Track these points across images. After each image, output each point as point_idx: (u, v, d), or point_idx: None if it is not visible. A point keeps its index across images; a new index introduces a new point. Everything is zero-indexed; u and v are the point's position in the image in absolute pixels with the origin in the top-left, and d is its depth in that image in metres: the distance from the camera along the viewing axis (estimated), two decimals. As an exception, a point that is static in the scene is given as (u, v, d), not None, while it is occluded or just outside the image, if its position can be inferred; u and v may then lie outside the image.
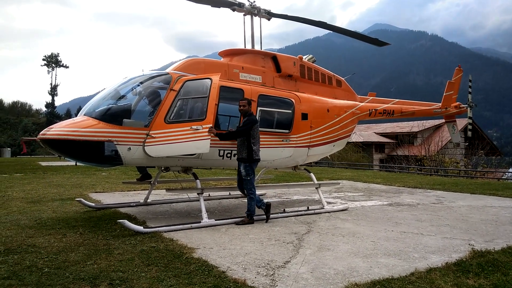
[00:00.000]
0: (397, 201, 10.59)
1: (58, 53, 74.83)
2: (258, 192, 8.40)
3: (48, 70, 73.33)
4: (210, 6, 8.51)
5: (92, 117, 6.68)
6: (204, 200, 7.51)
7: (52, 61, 73.44)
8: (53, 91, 72.27)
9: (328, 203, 9.58)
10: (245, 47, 8.99)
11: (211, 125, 6.87)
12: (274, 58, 8.91)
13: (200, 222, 6.97)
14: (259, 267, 4.70)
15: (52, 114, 68.55)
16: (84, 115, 6.84)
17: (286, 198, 11.13)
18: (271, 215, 7.64)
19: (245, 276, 4.32)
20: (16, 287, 3.95)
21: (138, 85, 7.29)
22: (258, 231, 6.69)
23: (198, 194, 7.42)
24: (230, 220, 7.36)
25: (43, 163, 28.49)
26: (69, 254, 5.08)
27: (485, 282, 4.21)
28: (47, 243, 5.61)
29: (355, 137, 37.67)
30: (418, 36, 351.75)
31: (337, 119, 9.70)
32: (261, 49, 9.14)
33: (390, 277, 4.31)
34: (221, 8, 8.64)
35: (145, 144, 6.73)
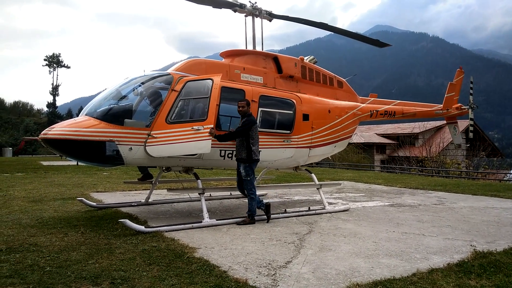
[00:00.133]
0: (399, 202, 10.58)
1: (60, 53, 75.01)
2: (259, 192, 8.40)
3: (49, 70, 73.46)
4: (211, 7, 8.53)
5: (94, 117, 6.70)
6: (205, 200, 7.51)
7: (54, 61, 73.55)
8: (55, 91, 72.36)
9: (330, 203, 9.58)
10: (246, 48, 9.01)
11: (212, 126, 6.88)
12: (275, 59, 8.91)
13: (201, 222, 6.97)
14: (260, 267, 4.70)
15: (54, 114, 68.64)
16: (86, 115, 6.86)
17: (287, 198, 11.13)
18: (272, 216, 7.64)
19: (246, 276, 4.32)
20: (18, 285, 3.95)
21: (140, 86, 7.30)
22: (259, 231, 6.69)
23: (199, 194, 7.43)
24: (231, 220, 7.36)
25: (45, 163, 28.52)
26: (70, 253, 5.09)
27: (487, 283, 4.20)
28: (48, 242, 5.62)
29: (356, 138, 37.63)
30: (419, 37, 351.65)
31: (338, 120, 9.70)
32: (262, 50, 9.15)
33: (392, 278, 4.31)
34: (223, 9, 8.66)
35: (147, 144, 6.74)
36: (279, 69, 8.89)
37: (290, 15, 9.26)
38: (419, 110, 12.22)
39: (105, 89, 7.75)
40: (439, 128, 42.87)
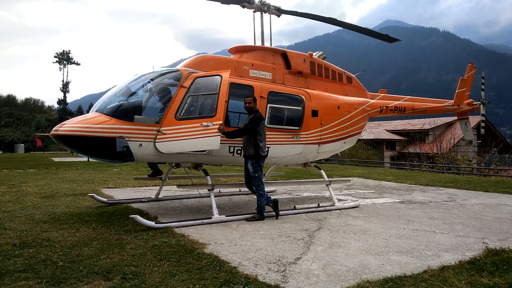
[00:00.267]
0: (409, 199, 10.50)
1: (70, 50, 75.71)
2: (268, 188, 8.40)
3: (59, 67, 74.31)
4: (219, 3, 8.50)
5: (104, 114, 6.75)
6: (215, 196, 7.53)
7: (64, 58, 74.29)
8: (65, 88, 73.16)
9: (339, 200, 9.53)
10: (254, 44, 8.98)
11: (221, 122, 6.88)
12: (284, 55, 8.87)
13: (211, 218, 7.00)
14: (270, 263, 4.70)
15: (64, 111, 69.45)
16: (96, 111, 6.92)
17: (297, 195, 11.11)
18: (281, 212, 7.64)
19: (256, 272, 4.33)
20: (32, 280, 4.02)
21: (149, 82, 7.33)
22: (269, 227, 6.70)
23: (208, 190, 7.45)
24: (240, 216, 7.38)
25: (56, 159, 28.89)
26: (82, 248, 5.16)
27: (500, 281, 4.15)
28: (61, 237, 5.70)
29: (365, 135, 37.38)
30: (429, 32, 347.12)
31: (348, 116, 9.64)
32: (270, 46, 9.11)
33: (403, 275, 4.28)
34: (231, 4, 8.64)
35: (156, 141, 6.77)
36: (288, 65, 8.85)
37: (298, 11, 9.21)
38: (430, 106, 12.08)
39: (115, 85, 7.80)
40: (450, 124, 42.39)
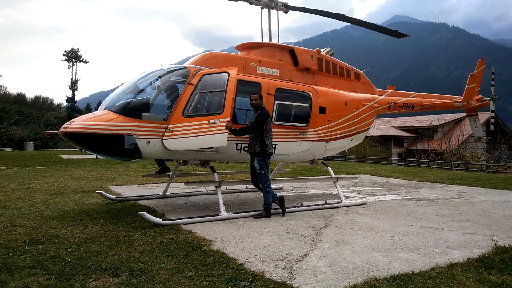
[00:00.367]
0: (417, 196, 10.43)
1: (78, 48, 76.35)
2: (274, 185, 8.39)
3: (68, 65, 74.93)
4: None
5: (112, 111, 6.79)
6: (222, 193, 7.55)
7: (72, 56, 74.89)
8: (74, 85, 73.76)
9: (346, 197, 9.50)
10: (262, 40, 8.95)
11: (228, 119, 6.89)
12: (291, 52, 8.84)
13: (218, 215, 7.02)
14: (277, 260, 4.71)
15: (73, 109, 70.03)
16: (105, 109, 6.97)
17: (303, 192, 11.10)
18: (288, 209, 7.64)
19: (263, 269, 4.34)
20: (41, 276, 4.07)
21: (157, 79, 7.36)
22: (276, 224, 6.70)
23: (215, 187, 7.47)
24: (247, 213, 7.39)
25: (65, 156, 29.17)
26: (91, 245, 5.21)
27: (509, 279, 4.11)
28: (69, 234, 5.76)
29: (373, 131, 37.13)
30: (438, 28, 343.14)
31: (356, 113, 9.59)
32: (278, 42, 9.08)
33: (410, 272, 4.25)
34: (238, 1, 8.62)
35: (164, 138, 6.81)
36: (295, 62, 8.82)
37: (306, 7, 9.16)
38: (439, 102, 11.97)
39: (123, 83, 7.85)
40: (458, 121, 41.99)
